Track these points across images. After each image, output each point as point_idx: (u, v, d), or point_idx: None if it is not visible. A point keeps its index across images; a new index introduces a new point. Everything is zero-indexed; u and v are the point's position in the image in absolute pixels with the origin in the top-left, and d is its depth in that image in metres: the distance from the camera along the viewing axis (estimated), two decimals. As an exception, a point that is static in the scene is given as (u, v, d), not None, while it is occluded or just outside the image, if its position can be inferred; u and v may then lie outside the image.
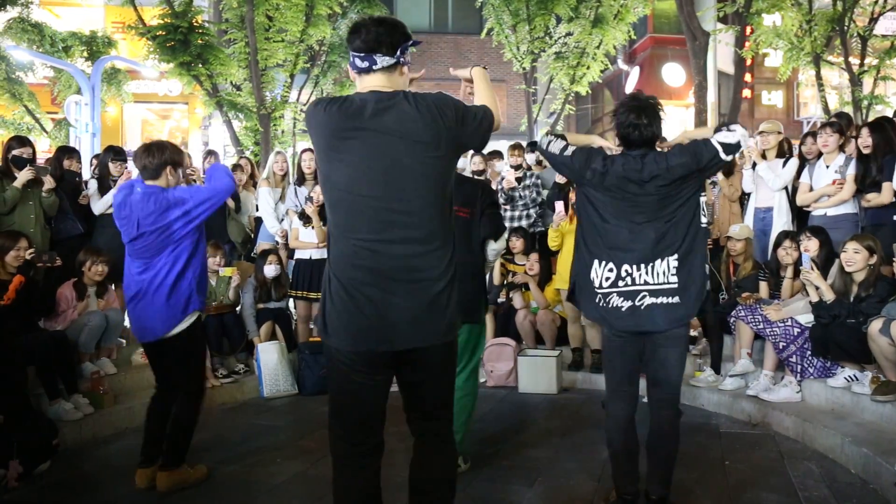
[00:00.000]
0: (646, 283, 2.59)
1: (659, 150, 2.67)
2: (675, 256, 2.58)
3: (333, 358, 1.99)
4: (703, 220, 2.70)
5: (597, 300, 2.67)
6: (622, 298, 2.61)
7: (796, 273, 4.44)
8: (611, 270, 2.61)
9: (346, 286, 1.92)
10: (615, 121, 2.65)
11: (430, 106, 1.91)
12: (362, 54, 1.97)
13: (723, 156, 2.58)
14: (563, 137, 2.81)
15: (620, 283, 2.60)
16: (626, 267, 2.59)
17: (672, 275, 2.58)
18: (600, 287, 2.64)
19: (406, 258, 1.90)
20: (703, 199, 2.73)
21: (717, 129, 2.66)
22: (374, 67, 1.96)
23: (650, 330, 2.63)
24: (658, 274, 2.58)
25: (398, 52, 1.97)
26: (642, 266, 2.59)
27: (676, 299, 2.58)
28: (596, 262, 2.65)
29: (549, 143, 2.79)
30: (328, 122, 1.93)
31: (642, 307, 2.60)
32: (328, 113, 1.93)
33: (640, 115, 2.59)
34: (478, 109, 2.03)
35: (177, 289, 3.08)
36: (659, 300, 2.58)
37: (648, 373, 2.76)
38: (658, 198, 2.57)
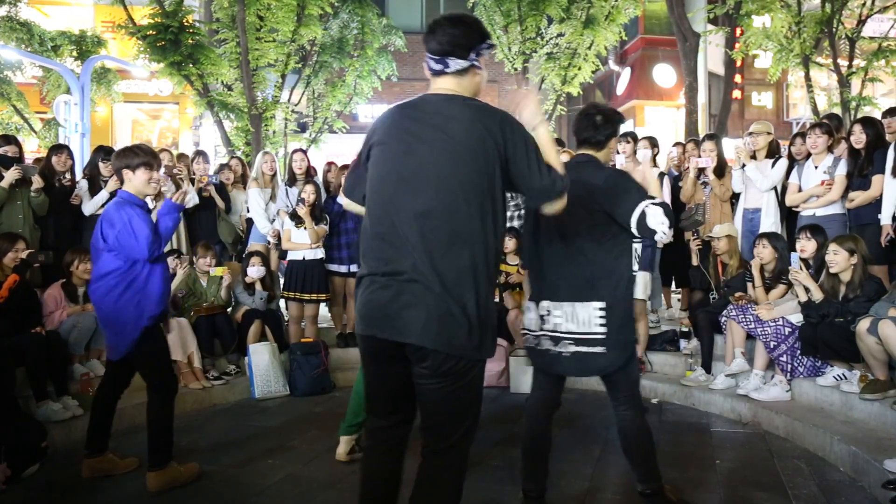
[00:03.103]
0: (569, 331, 2.48)
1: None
2: (602, 304, 2.45)
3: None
4: (636, 267, 2.61)
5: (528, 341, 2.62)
6: (550, 342, 2.54)
7: (777, 278, 4.49)
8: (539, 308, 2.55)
9: (365, 276, 1.96)
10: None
11: (488, 118, 1.88)
12: (437, 57, 1.96)
13: (633, 226, 2.39)
14: None
15: (545, 326, 2.51)
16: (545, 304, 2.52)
17: (599, 324, 2.45)
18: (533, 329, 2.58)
19: (413, 259, 1.85)
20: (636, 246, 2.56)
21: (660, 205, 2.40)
22: (446, 70, 1.96)
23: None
24: (582, 321, 2.46)
25: (472, 56, 1.96)
26: (565, 307, 2.48)
27: (601, 349, 2.47)
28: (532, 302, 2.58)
29: None
30: (384, 121, 2.00)
31: (565, 354, 2.49)
32: (390, 112, 2.00)
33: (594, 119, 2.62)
34: (541, 161, 1.97)
35: (122, 302, 3.08)
36: (581, 349, 2.48)
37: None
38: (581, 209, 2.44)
